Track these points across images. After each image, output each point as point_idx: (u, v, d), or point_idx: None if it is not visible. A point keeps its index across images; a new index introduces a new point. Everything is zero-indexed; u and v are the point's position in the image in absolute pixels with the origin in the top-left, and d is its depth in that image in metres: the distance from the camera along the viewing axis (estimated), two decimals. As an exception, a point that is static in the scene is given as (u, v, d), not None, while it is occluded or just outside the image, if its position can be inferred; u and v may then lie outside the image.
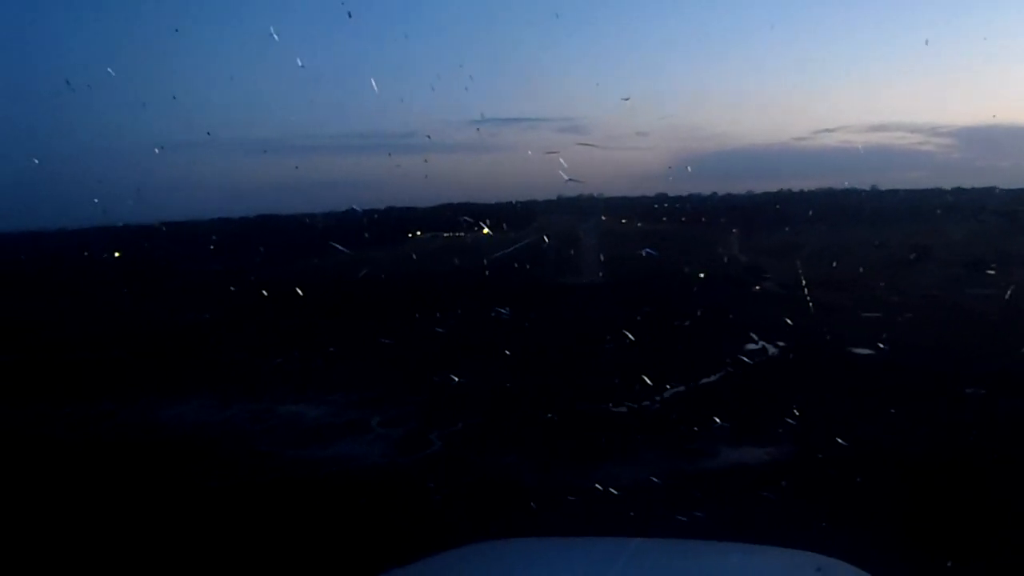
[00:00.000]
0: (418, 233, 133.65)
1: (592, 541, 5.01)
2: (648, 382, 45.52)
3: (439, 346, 54.34)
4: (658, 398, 43.85)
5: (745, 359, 51.84)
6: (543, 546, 5.05)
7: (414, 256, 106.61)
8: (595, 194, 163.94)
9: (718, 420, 35.25)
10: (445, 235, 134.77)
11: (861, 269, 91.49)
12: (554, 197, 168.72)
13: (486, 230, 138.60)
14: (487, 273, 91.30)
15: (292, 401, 45.29)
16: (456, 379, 45.51)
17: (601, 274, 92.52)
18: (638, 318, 62.22)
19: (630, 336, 56.90)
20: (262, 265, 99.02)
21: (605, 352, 51.94)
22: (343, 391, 46.77)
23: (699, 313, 67.37)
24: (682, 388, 45.34)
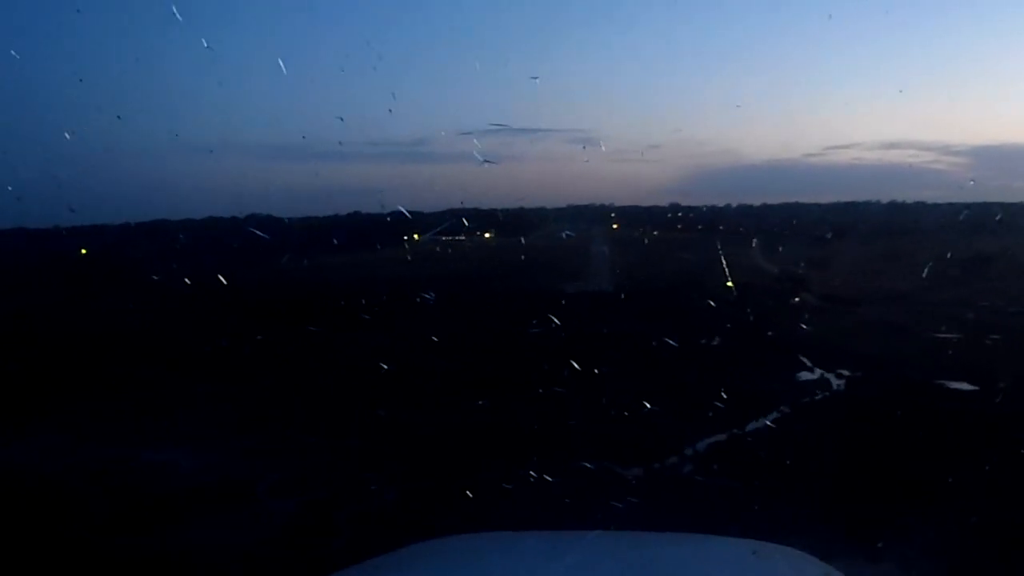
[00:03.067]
0: (415, 237, 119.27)
1: (546, 535, 4.94)
2: (673, 427, 30.95)
3: (397, 369, 39.62)
4: (689, 452, 29.24)
5: (803, 395, 37.23)
6: (499, 540, 4.90)
7: (405, 259, 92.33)
8: (606, 203, 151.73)
9: (785, 509, 20.74)
10: (444, 238, 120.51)
11: (907, 281, 76.42)
12: (564, 205, 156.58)
13: (488, 235, 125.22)
14: (482, 278, 76.84)
15: (171, 441, 30.76)
16: (406, 417, 31.31)
17: (612, 282, 77.64)
18: (656, 335, 47.06)
19: (643, 357, 42.40)
20: (230, 267, 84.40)
21: (612, 379, 36.95)
22: (252, 427, 32.42)
23: (730, 328, 52.60)
24: (722, 437, 30.67)
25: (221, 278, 46.53)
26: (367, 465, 27.13)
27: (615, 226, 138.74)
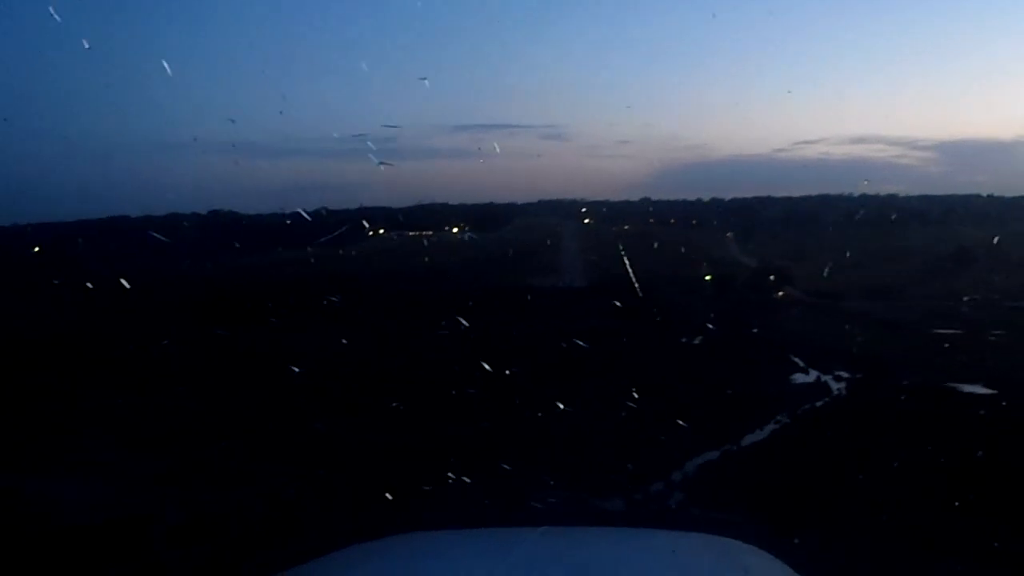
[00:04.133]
0: (380, 232, 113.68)
1: (490, 532, 4.80)
2: (659, 444, 26.16)
3: (342, 375, 34.82)
4: (677, 477, 24.42)
5: (800, 401, 32.63)
6: (441, 539, 4.71)
7: (357, 255, 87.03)
8: (577, 198, 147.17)
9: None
10: (411, 234, 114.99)
11: (890, 273, 72.57)
12: (535, 201, 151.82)
13: (455, 229, 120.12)
14: (448, 273, 71.82)
15: (64, 467, 25.47)
16: (350, 433, 26.50)
17: (583, 276, 72.95)
18: (632, 333, 42.32)
19: (620, 357, 37.70)
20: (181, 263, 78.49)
21: (583, 384, 32.14)
22: (173, 441, 27.27)
23: (712, 324, 48.03)
24: (714, 456, 25.92)
25: (123, 281, 40.34)
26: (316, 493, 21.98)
27: (586, 220, 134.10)
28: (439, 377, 31.95)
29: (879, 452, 23.34)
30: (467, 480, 18.13)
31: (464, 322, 38.41)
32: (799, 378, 36.92)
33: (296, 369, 31.29)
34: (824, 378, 36.59)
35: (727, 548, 4.34)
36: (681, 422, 26.75)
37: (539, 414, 26.10)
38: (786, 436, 27.62)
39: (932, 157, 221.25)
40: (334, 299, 51.47)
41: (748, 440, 27.29)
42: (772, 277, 66.85)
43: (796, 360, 39.59)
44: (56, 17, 29.09)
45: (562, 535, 4.53)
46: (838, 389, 34.85)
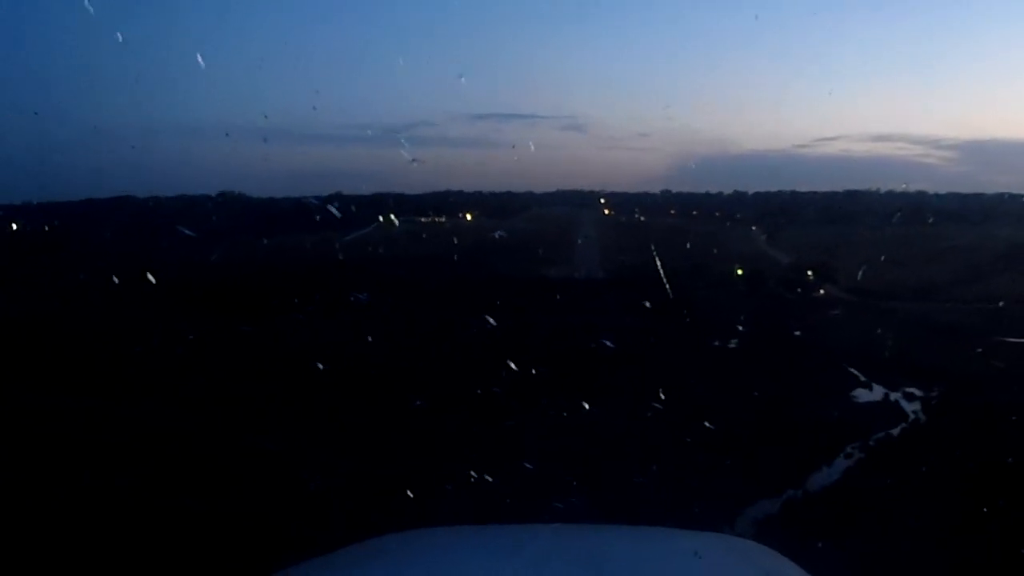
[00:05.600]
0: (391, 217, 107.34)
1: (507, 528, 4.73)
2: (702, 485, 19.63)
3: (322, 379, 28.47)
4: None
5: (871, 427, 26.03)
6: (457, 535, 4.64)
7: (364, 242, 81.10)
8: (595, 189, 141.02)
9: None
10: (423, 220, 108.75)
11: (934, 273, 65.67)
12: (553, 191, 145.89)
13: (470, 216, 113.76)
14: (456, 262, 65.31)
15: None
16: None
17: (602, 269, 66.27)
18: (655, 334, 35.75)
19: (645, 367, 31.14)
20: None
21: (605, 404, 25.61)
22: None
23: (747, 327, 41.35)
24: (772, 508, 19.28)
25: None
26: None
27: (606, 211, 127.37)
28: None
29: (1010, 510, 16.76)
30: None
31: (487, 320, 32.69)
32: (862, 395, 30.33)
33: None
34: (893, 396, 29.99)
35: (743, 549, 4.28)
36: (725, 457, 20.28)
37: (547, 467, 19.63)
38: (864, 479, 21.01)
39: (956, 156, 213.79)
40: (337, 289, 46.03)
41: (815, 483, 20.78)
42: (809, 273, 60.03)
43: (852, 371, 32.94)
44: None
45: (575, 532, 4.49)
46: (914, 412, 28.18)
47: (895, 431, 25.73)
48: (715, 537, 4.56)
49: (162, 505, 14.22)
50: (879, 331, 41.63)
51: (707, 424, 24.39)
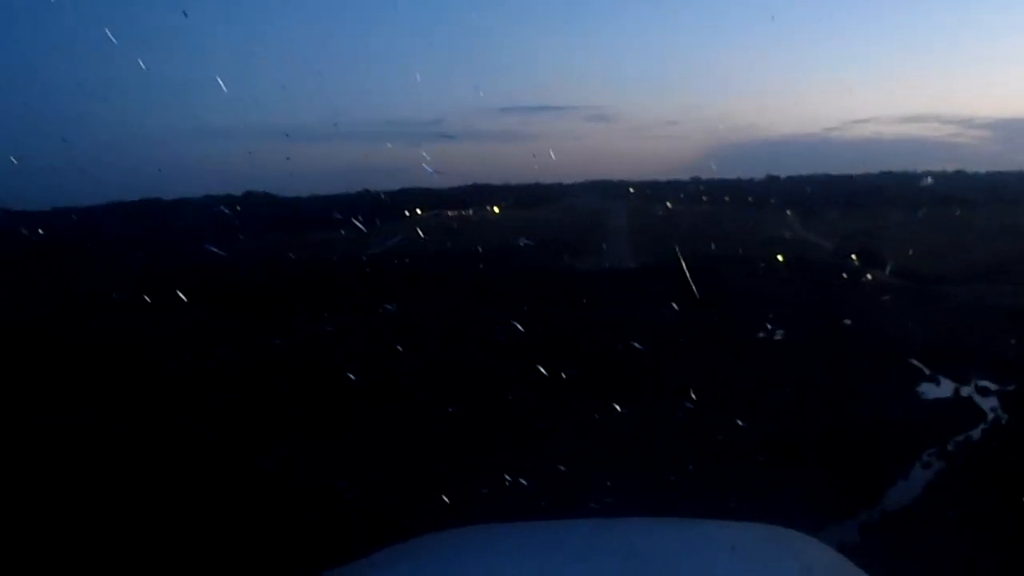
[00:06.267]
0: (418, 212, 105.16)
1: (543, 525, 4.73)
2: (761, 506, 16.71)
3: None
4: None
5: (947, 429, 22.88)
6: (497, 533, 4.57)
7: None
8: (624, 179, 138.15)
9: None
10: (450, 213, 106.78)
11: (987, 254, 61.81)
12: (581, 181, 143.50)
13: (496, 209, 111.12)
14: (481, 256, 62.48)
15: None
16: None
17: (632, 259, 63.21)
18: (695, 325, 32.87)
19: (686, 361, 28.32)
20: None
21: (640, 405, 22.77)
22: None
23: (793, 317, 38.17)
24: (849, 536, 16.07)
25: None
26: None
27: (636, 200, 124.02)
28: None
29: None
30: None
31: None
32: (929, 391, 27.12)
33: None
34: (965, 391, 26.75)
35: (780, 537, 4.20)
36: (784, 468, 17.35)
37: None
38: (951, 495, 17.91)
39: (989, 136, 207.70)
40: (363, 287, 44.11)
41: (893, 502, 17.75)
42: (853, 257, 56.44)
43: (915, 364, 29.66)
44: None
45: (614, 526, 4.47)
46: (992, 409, 24.92)
47: (975, 433, 22.56)
48: (753, 527, 4.28)
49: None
50: (936, 318, 38.32)
51: (759, 428, 21.54)
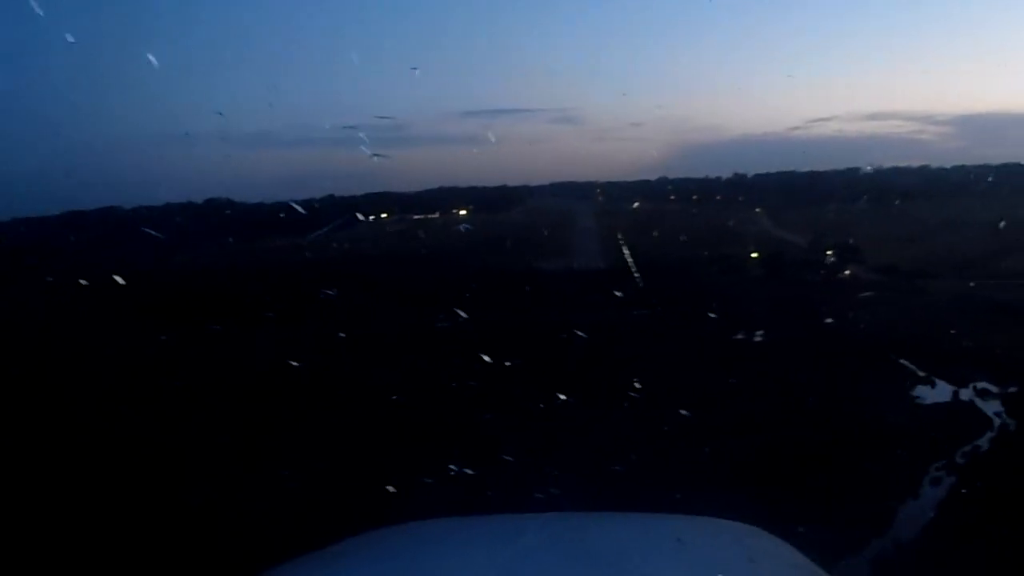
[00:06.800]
0: (383, 215, 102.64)
1: (498, 519, 4.75)
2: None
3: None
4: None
5: (953, 438, 20.57)
6: (451, 527, 4.68)
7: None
8: (591, 180, 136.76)
9: None
10: (415, 217, 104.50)
11: (962, 248, 60.45)
12: (547, 183, 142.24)
13: (463, 211, 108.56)
14: (444, 259, 60.30)
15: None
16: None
17: (604, 259, 60.90)
18: (669, 327, 30.65)
19: (660, 365, 25.95)
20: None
21: (610, 413, 20.26)
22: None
23: (772, 316, 35.95)
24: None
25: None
26: None
27: (604, 200, 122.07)
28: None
29: None
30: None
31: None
32: (926, 395, 24.83)
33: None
34: (964, 394, 24.48)
35: (733, 531, 4.25)
36: (776, 489, 14.98)
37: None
38: (971, 520, 15.53)
39: (951, 132, 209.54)
40: (329, 290, 42.05)
41: (906, 529, 15.35)
42: (829, 253, 54.47)
43: (907, 364, 27.46)
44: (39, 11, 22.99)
45: (567, 521, 4.46)
46: (997, 415, 22.63)
47: (983, 443, 20.24)
48: (703, 521, 4.36)
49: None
50: (921, 314, 36.33)
51: (744, 440, 19.14)
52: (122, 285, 36.37)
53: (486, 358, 22.29)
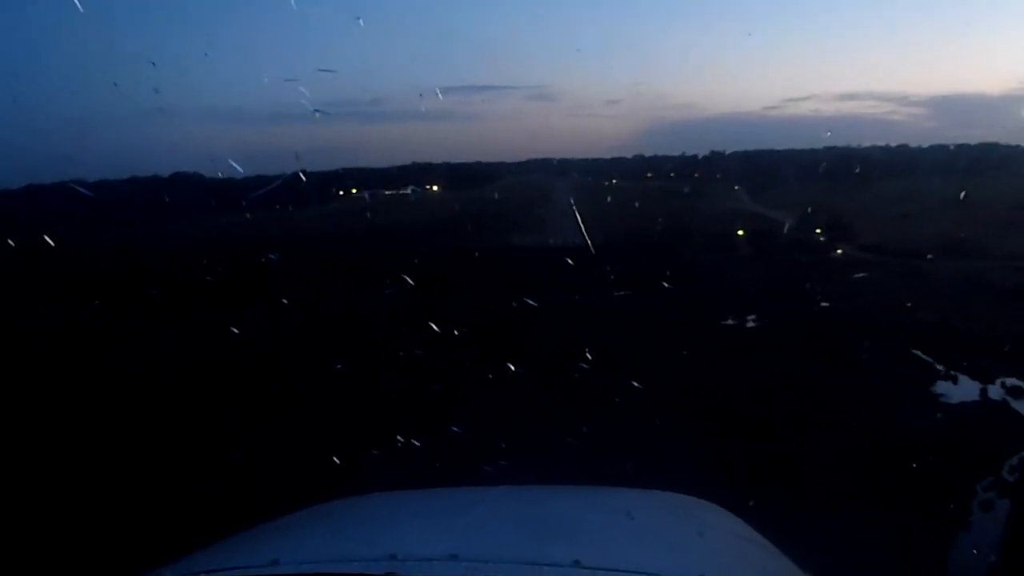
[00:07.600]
0: (353, 191, 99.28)
1: (450, 492, 4.62)
2: None
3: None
4: None
5: (996, 449, 17.54)
6: (397, 499, 4.46)
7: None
8: (568, 157, 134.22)
9: None
10: (387, 192, 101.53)
11: (956, 226, 57.56)
12: (524, 160, 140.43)
13: (436, 188, 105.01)
14: (418, 236, 56.86)
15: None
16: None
17: (583, 236, 57.26)
18: (653, 311, 27.32)
19: (643, 355, 22.65)
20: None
21: (589, 423, 16.80)
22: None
23: (764, 299, 32.83)
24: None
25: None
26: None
27: (580, 177, 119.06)
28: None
29: None
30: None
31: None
32: (950, 392, 21.59)
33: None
34: (993, 391, 21.31)
35: (684, 505, 4.29)
36: (803, 521, 11.71)
37: None
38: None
39: (924, 112, 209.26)
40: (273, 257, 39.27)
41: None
42: (818, 232, 51.34)
43: (919, 355, 24.30)
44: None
45: (520, 494, 4.45)
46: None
47: (1031, 453, 17.00)
48: (656, 495, 4.31)
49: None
50: (923, 297, 33.26)
51: (753, 451, 15.84)
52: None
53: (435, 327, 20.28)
